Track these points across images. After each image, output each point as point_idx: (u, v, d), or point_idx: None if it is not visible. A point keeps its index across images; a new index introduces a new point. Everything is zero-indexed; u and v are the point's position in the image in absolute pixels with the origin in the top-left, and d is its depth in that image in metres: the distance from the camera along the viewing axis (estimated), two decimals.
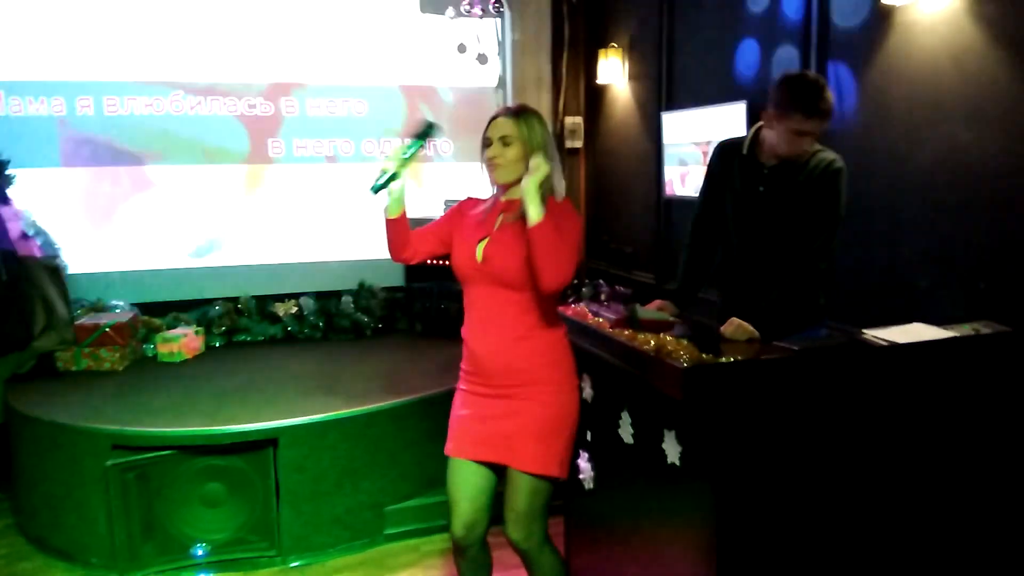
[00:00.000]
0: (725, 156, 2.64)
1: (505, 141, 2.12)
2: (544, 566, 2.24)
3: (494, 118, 2.18)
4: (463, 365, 2.25)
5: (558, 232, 2.03)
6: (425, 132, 2.17)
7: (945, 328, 2.20)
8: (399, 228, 2.21)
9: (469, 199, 2.32)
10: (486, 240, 2.15)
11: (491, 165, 2.15)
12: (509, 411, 2.14)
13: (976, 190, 2.48)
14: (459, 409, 2.25)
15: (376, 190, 2.11)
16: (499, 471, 2.22)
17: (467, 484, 2.22)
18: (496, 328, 2.15)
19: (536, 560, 2.23)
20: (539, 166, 2.04)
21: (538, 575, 2.26)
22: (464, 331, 2.24)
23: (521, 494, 2.15)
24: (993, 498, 2.21)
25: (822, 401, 2.03)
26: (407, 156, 2.12)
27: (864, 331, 2.20)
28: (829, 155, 2.41)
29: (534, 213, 1.99)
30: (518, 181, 2.12)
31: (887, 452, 2.09)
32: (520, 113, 2.16)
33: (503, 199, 2.21)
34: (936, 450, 2.14)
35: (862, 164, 2.81)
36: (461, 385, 2.27)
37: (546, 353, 2.17)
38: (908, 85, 2.69)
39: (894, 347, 2.09)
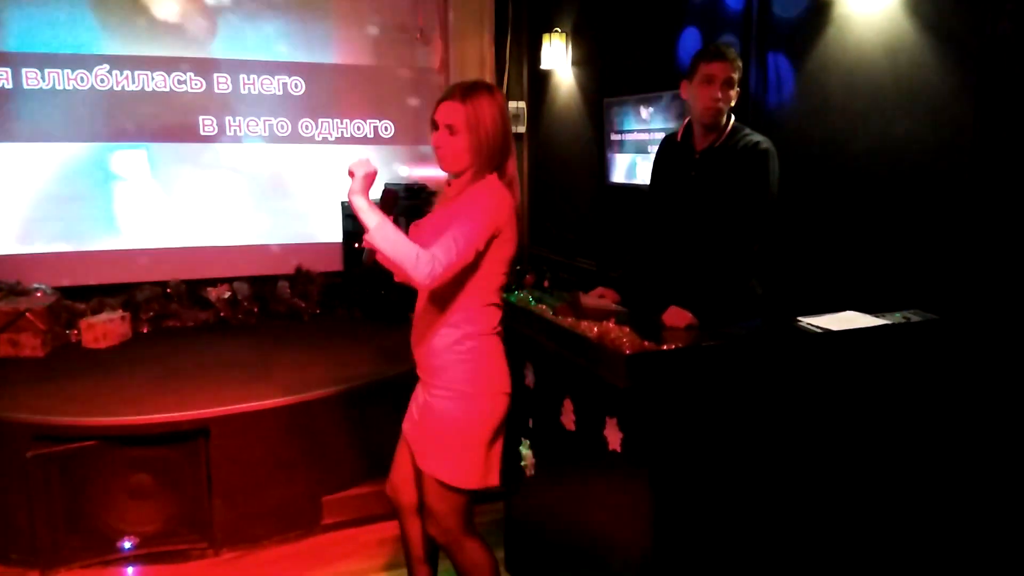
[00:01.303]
0: (664, 147, 2.75)
1: (451, 130, 1.99)
2: (464, 560, 2.15)
3: (442, 99, 2.03)
4: None
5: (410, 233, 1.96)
6: (387, 202, 2.02)
7: (877, 316, 2.26)
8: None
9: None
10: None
11: (436, 153, 2.04)
12: (425, 406, 2.10)
13: (909, 181, 2.54)
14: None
15: (365, 264, 2.04)
16: None
17: (401, 452, 2.22)
18: (421, 320, 2.09)
19: (455, 553, 2.14)
20: (359, 166, 1.89)
21: (459, 568, 2.18)
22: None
23: (428, 493, 2.09)
24: (921, 477, 2.29)
25: (760, 387, 2.06)
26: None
27: (799, 319, 2.25)
28: (757, 137, 2.47)
29: (366, 223, 1.86)
30: (464, 172, 2.02)
31: (822, 436, 2.14)
32: (468, 94, 1.98)
33: (448, 187, 2.12)
34: (868, 433, 2.20)
35: (800, 153, 2.86)
36: None
37: (461, 354, 2.02)
38: (845, 76, 2.74)
39: (828, 334, 2.14)
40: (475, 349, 2.03)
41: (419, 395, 2.16)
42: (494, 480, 2.11)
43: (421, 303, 2.10)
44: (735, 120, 2.52)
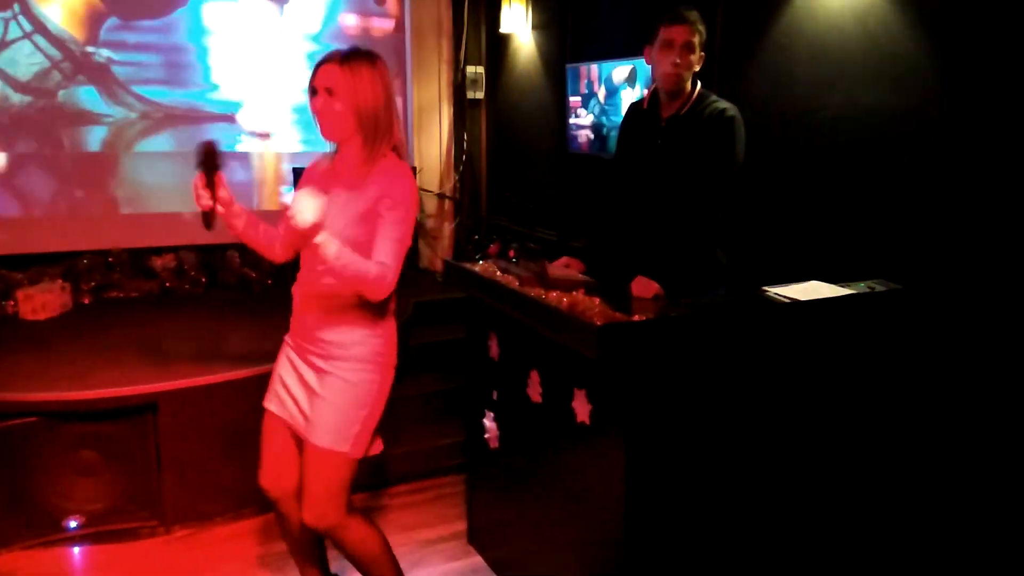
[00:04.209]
0: (630, 115, 2.70)
1: (330, 93, 1.91)
2: (351, 538, 2.09)
3: (320, 63, 1.94)
4: (291, 319, 2.15)
5: (376, 230, 1.90)
6: (208, 158, 1.92)
7: (841, 286, 2.27)
8: (251, 236, 2.10)
9: (315, 162, 2.14)
10: None
11: (318, 120, 1.95)
12: (315, 382, 2.03)
13: (874, 150, 2.54)
14: (280, 364, 2.16)
15: (210, 227, 1.98)
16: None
17: (276, 440, 2.14)
18: (315, 296, 2.02)
19: (340, 534, 2.08)
20: (301, 210, 1.72)
21: (347, 552, 2.12)
22: (293, 288, 2.12)
23: (319, 472, 2.02)
24: (889, 445, 2.32)
25: (729, 357, 2.05)
26: (211, 188, 1.93)
27: (765, 288, 2.24)
28: (723, 104, 2.43)
29: (325, 250, 1.79)
30: (349, 137, 1.95)
31: (790, 405, 2.15)
32: (348, 58, 1.92)
33: (336, 160, 2.03)
34: (836, 402, 2.22)
35: (765, 122, 2.84)
36: (287, 338, 2.17)
37: (375, 328, 2.03)
38: (812, 43, 2.72)
39: (796, 304, 2.13)
40: (387, 323, 2.06)
41: (301, 371, 2.07)
42: (379, 447, 2.14)
43: (310, 279, 2.02)
44: (701, 87, 2.48)
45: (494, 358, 2.47)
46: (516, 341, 2.35)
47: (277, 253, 2.17)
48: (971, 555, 2.24)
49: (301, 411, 2.07)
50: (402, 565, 2.29)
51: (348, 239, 1.87)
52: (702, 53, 2.43)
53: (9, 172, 4.15)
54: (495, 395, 2.48)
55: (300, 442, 2.09)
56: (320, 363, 2.03)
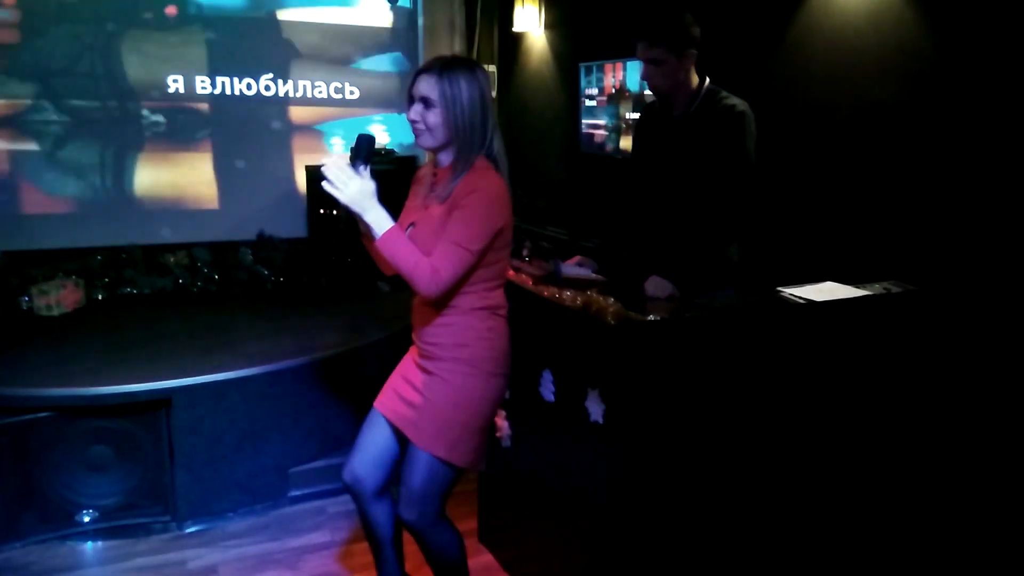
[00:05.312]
0: (644, 114, 2.70)
1: (427, 103, 1.90)
2: (436, 544, 2.11)
3: (419, 72, 1.94)
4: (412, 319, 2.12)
5: (439, 225, 1.87)
6: (363, 151, 1.89)
7: (857, 287, 2.25)
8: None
9: (423, 169, 2.12)
10: (411, 227, 1.99)
11: (413, 128, 1.96)
12: (423, 384, 2.02)
13: (889, 148, 2.52)
14: (400, 363, 2.14)
15: (344, 225, 1.89)
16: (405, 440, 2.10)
17: (372, 436, 2.11)
18: (425, 306, 2.01)
19: (426, 538, 2.09)
20: (339, 184, 1.78)
21: (430, 553, 2.13)
22: None
23: (418, 473, 2.01)
24: (903, 448, 2.30)
25: (743, 357, 2.04)
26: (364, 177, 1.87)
27: (780, 289, 2.23)
28: (733, 100, 2.41)
29: (373, 229, 1.82)
30: (443, 147, 1.95)
31: (805, 407, 2.13)
32: (446, 70, 1.90)
33: (434, 170, 2.03)
34: (851, 405, 2.20)
35: (780, 119, 2.82)
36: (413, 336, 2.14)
37: (464, 333, 1.98)
38: (828, 41, 2.70)
39: (812, 305, 2.12)
40: (494, 328, 2.01)
41: (412, 373, 2.05)
42: (483, 464, 2.09)
43: None
44: (710, 83, 2.47)
45: None
46: (529, 340, 2.35)
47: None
48: (985, 556, 2.22)
49: (408, 412, 2.04)
50: (413, 563, 2.29)
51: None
52: (684, 55, 2.37)
53: (24, 169, 4.17)
54: (507, 394, 2.48)
55: (401, 443, 2.08)
56: (426, 364, 2.01)
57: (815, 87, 2.77)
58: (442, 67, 1.91)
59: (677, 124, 2.49)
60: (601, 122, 3.98)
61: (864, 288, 2.25)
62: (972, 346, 2.27)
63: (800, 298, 2.15)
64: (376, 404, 2.13)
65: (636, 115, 2.72)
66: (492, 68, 5.06)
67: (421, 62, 4.91)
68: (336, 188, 1.80)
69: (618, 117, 3.84)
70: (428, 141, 1.95)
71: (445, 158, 1.97)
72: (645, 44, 2.37)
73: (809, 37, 2.78)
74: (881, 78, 2.53)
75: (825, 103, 2.73)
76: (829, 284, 2.29)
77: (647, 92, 3.53)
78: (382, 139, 4.64)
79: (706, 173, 2.40)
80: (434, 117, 1.90)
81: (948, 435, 2.31)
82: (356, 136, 1.91)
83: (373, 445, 2.11)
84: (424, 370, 2.02)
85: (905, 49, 2.44)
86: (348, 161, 1.87)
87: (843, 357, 2.18)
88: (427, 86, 1.90)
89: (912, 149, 2.45)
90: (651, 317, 1.91)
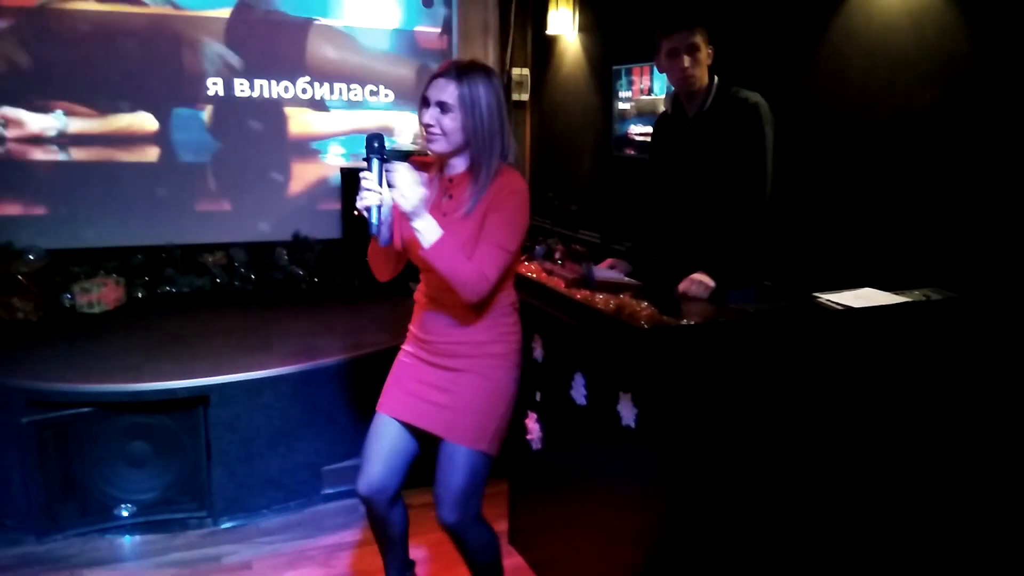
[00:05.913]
0: (658, 124, 2.73)
1: (444, 107, 1.88)
2: (475, 543, 2.11)
3: (435, 76, 1.92)
4: (411, 327, 2.13)
5: (484, 227, 1.89)
6: (375, 147, 1.87)
7: (895, 294, 2.21)
8: (391, 252, 2.04)
9: (415, 161, 2.04)
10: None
11: (426, 133, 1.93)
12: (449, 382, 2.02)
13: (928, 153, 2.48)
14: (399, 368, 2.13)
15: (377, 230, 1.88)
16: (422, 440, 2.11)
17: (387, 444, 2.08)
18: (445, 307, 2.01)
19: (466, 538, 2.09)
20: (405, 191, 1.78)
21: (469, 553, 2.13)
22: (417, 295, 2.12)
23: (459, 471, 2.00)
24: (943, 457, 2.26)
25: (779, 364, 2.01)
26: (379, 180, 1.86)
27: (817, 295, 2.20)
28: (746, 93, 2.43)
29: (424, 236, 1.82)
30: (456, 153, 1.94)
31: (841, 414, 2.10)
32: (464, 74, 1.88)
33: (446, 175, 2.01)
34: (887, 413, 2.16)
35: (819, 124, 2.79)
36: (406, 346, 2.14)
37: (493, 329, 2.02)
38: (867, 45, 2.66)
39: (849, 311, 2.09)
40: (517, 323, 2.09)
41: (429, 374, 2.05)
42: (498, 450, 2.10)
43: (447, 295, 1.96)
44: (720, 79, 2.46)
45: (538, 360, 2.47)
46: (561, 343, 2.35)
47: (392, 268, 2.12)
48: None
49: (437, 413, 2.03)
50: (441, 563, 2.30)
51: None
52: (710, 49, 2.42)
53: (67, 172, 4.27)
54: (538, 396, 2.48)
55: (414, 447, 2.10)
56: (451, 362, 2.01)
57: (853, 90, 2.73)
58: (460, 71, 1.89)
59: (692, 124, 2.51)
60: (637, 124, 3.96)
61: (903, 295, 2.21)
62: (1015, 356, 2.22)
63: (838, 304, 2.12)
64: (384, 411, 2.10)
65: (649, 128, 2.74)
66: (525, 71, 5.06)
67: None
68: (402, 195, 1.80)
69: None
70: (442, 146, 1.92)
71: (458, 163, 1.97)
72: (684, 32, 2.38)
73: (847, 41, 2.74)
74: (921, 82, 2.48)
75: (864, 107, 2.69)
76: (867, 290, 2.25)
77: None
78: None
79: (729, 167, 2.41)
80: (451, 121, 1.88)
81: (992, 447, 2.26)
82: (366, 137, 1.87)
83: (388, 454, 2.08)
84: (448, 368, 2.02)
85: (946, 53, 2.40)
86: (363, 158, 1.89)
87: (880, 365, 2.14)
88: (444, 90, 1.88)
89: (953, 155, 2.40)
90: (685, 321, 1.90)
